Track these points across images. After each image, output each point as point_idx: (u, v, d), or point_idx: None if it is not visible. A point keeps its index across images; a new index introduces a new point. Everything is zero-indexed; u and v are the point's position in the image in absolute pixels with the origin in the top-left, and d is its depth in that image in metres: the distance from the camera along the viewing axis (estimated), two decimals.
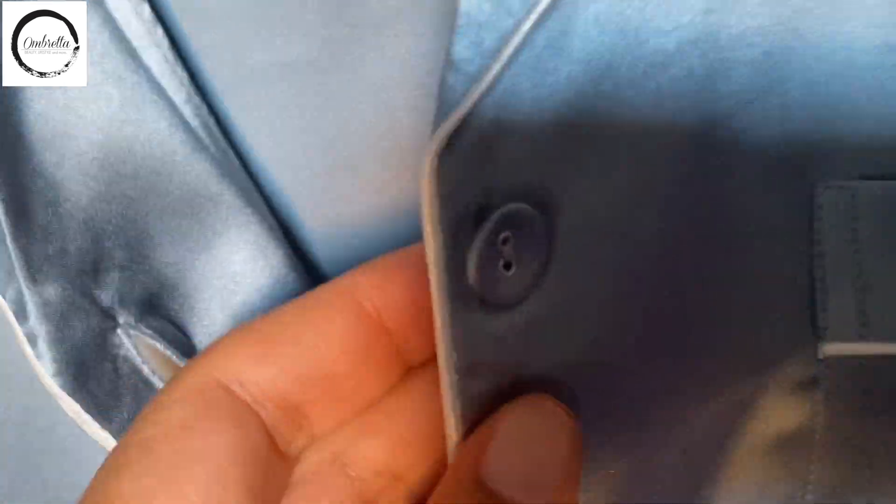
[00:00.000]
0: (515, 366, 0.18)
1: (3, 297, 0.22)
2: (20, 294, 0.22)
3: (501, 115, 0.15)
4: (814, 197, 0.21)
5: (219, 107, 0.24)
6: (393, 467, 0.18)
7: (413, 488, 0.19)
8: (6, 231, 0.21)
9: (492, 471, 0.16)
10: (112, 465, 0.16)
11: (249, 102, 0.24)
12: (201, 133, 0.23)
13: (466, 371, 0.16)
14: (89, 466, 0.17)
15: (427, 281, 0.16)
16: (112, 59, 0.22)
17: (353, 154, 0.23)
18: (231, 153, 0.23)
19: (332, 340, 0.17)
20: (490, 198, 0.16)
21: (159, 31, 0.22)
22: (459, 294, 0.16)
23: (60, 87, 0.22)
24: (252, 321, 0.18)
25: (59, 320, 0.22)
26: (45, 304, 0.22)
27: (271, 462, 0.17)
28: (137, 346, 0.24)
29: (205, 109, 0.23)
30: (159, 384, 0.24)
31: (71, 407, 0.23)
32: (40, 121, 0.22)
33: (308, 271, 0.25)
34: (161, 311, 0.24)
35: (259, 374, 0.17)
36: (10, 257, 0.21)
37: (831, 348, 0.21)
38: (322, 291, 0.18)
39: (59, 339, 0.22)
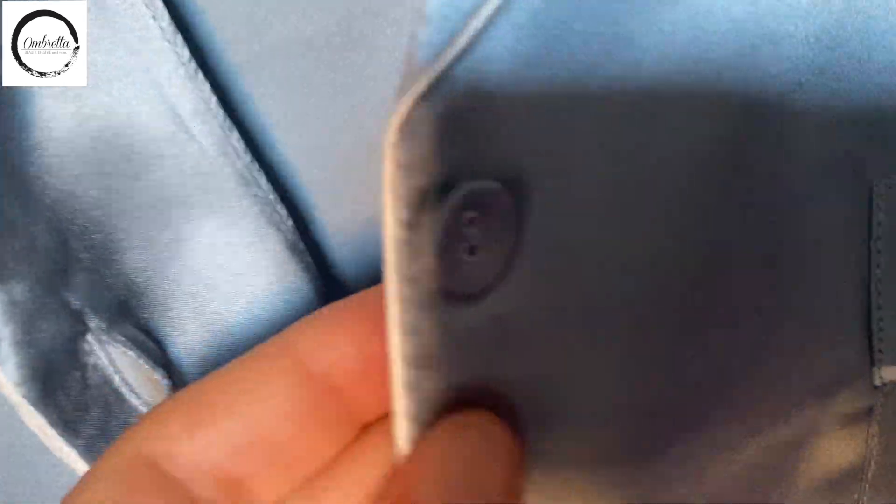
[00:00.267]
0: (479, 367, 0.16)
1: None
2: None
3: (478, 80, 0.14)
4: (872, 195, 0.19)
5: (232, 85, 0.23)
6: None
7: None
8: None
9: (424, 492, 0.14)
10: None
11: (265, 79, 0.23)
12: (192, 120, 0.22)
13: (419, 363, 0.15)
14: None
15: (378, 330, 0.15)
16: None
17: (370, 131, 0.22)
18: (234, 138, 0.22)
19: (271, 405, 0.16)
20: (458, 172, 0.15)
21: (158, 3, 0.21)
22: (414, 277, 0.15)
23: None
24: (187, 388, 0.17)
25: (27, 322, 0.20)
26: (11, 303, 0.20)
27: None
28: (109, 354, 0.22)
29: (207, 88, 0.21)
30: (130, 396, 0.22)
31: (34, 420, 0.20)
32: (7, 112, 0.21)
33: (322, 266, 0.24)
34: (133, 318, 0.23)
35: (191, 446, 0.16)
36: None
37: (889, 372, 0.19)
38: (261, 351, 0.17)
39: (26, 342, 0.20)
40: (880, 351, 0.19)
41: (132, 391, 0.23)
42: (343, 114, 0.23)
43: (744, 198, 0.18)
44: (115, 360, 0.22)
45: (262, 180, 0.23)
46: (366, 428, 0.18)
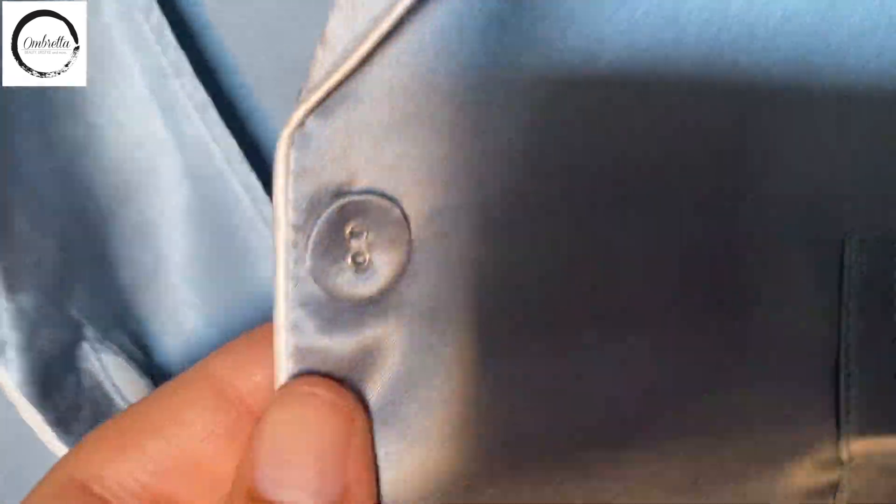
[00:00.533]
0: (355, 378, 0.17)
1: None
2: None
3: (359, 101, 0.16)
4: (843, 254, 0.18)
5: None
6: None
7: None
8: None
9: (263, 478, 0.16)
10: None
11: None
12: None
13: (298, 358, 0.16)
14: None
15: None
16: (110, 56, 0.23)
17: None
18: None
19: (192, 429, 0.17)
20: (343, 183, 0.16)
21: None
22: (299, 277, 0.16)
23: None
24: (116, 416, 0.18)
25: (31, 329, 0.23)
26: (19, 312, 0.22)
27: None
28: (102, 360, 0.24)
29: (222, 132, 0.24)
30: (119, 400, 0.24)
31: (33, 418, 0.23)
32: (27, 130, 0.23)
33: None
34: (124, 328, 0.25)
35: (118, 469, 0.17)
36: None
37: (858, 446, 0.18)
38: (183, 379, 0.18)
39: (29, 347, 0.22)
40: (848, 421, 0.17)
41: (120, 394, 0.24)
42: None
43: (700, 234, 0.18)
44: (107, 366, 0.24)
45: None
46: None
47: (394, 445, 0.17)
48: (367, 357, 0.17)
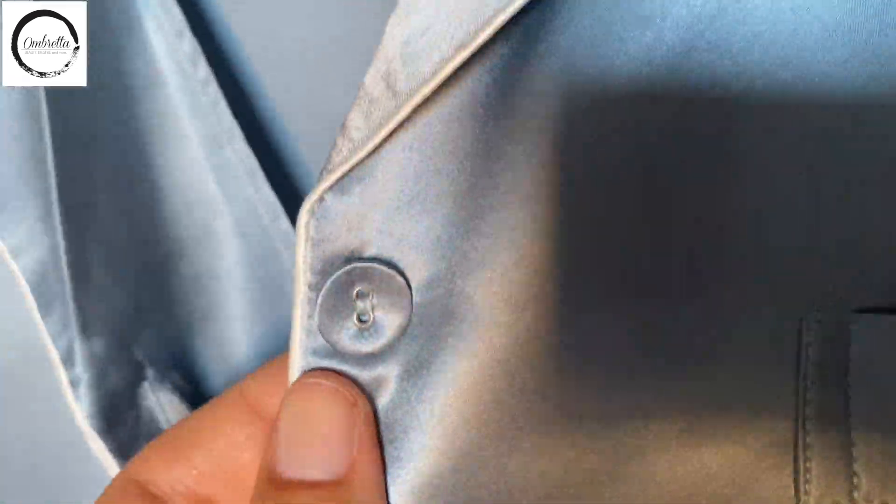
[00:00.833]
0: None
1: (55, 346, 0.25)
2: (71, 343, 0.25)
3: (375, 179, 0.18)
4: (801, 331, 0.18)
5: None
6: None
7: None
8: (68, 290, 0.25)
9: (282, 461, 0.18)
10: None
11: None
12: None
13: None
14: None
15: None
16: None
17: None
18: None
19: (230, 439, 0.20)
20: (356, 251, 0.19)
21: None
22: (311, 330, 0.19)
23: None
24: (168, 430, 0.21)
25: (100, 369, 0.26)
26: (91, 355, 0.26)
27: None
28: (159, 398, 0.28)
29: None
30: None
31: (99, 446, 0.26)
32: (106, 191, 0.26)
33: None
34: (179, 367, 0.29)
35: (169, 474, 0.20)
36: (68, 312, 0.25)
37: None
38: (222, 399, 0.21)
39: (98, 385, 0.26)
40: (806, 492, 0.18)
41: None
42: None
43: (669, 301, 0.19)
44: (163, 403, 0.28)
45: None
46: None
47: (404, 452, 0.19)
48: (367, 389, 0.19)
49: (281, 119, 0.30)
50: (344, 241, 0.19)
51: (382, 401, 0.19)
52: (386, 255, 0.19)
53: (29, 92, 0.23)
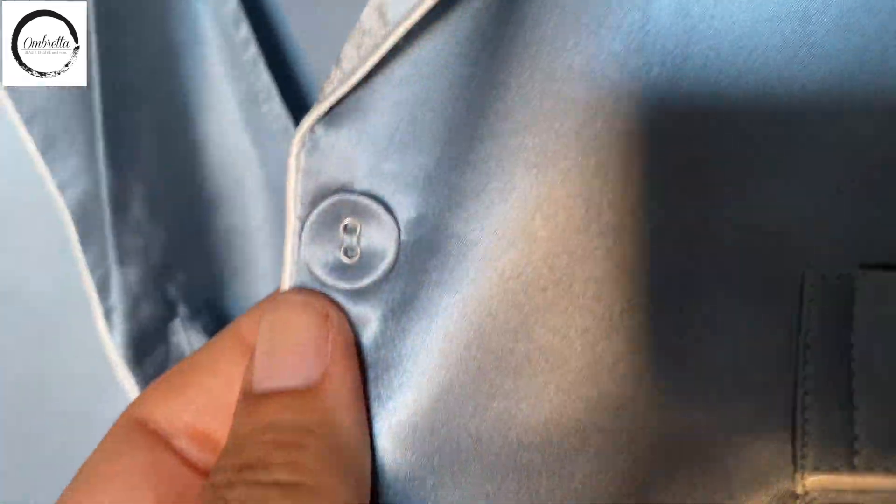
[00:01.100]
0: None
1: (92, 276, 0.26)
2: (107, 273, 0.27)
3: (366, 113, 0.18)
4: (803, 286, 0.18)
5: None
6: None
7: None
8: (108, 222, 0.26)
9: (256, 375, 0.18)
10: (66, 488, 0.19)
11: None
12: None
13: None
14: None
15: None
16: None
17: None
18: None
19: (225, 376, 0.20)
20: (346, 185, 0.18)
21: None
22: (301, 262, 0.19)
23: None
24: (175, 366, 0.21)
25: (134, 301, 0.27)
26: (125, 285, 0.27)
27: (185, 478, 0.19)
28: (189, 337, 0.29)
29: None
30: None
31: (126, 377, 0.27)
32: (148, 134, 0.27)
33: None
34: (211, 312, 0.30)
35: (166, 410, 0.20)
36: (105, 244, 0.26)
37: (813, 481, 0.17)
38: (216, 338, 0.21)
39: (131, 315, 0.27)
40: (804, 456, 0.17)
41: None
42: None
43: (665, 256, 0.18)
44: (193, 342, 0.29)
45: None
46: None
47: (385, 389, 0.19)
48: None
49: (317, 78, 0.31)
50: (334, 174, 0.18)
51: (366, 339, 0.19)
52: (375, 190, 0.19)
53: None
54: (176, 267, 0.29)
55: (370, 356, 0.19)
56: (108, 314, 0.27)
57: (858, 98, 0.17)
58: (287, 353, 0.18)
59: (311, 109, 0.18)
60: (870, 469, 0.17)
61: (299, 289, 0.19)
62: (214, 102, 0.29)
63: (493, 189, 0.18)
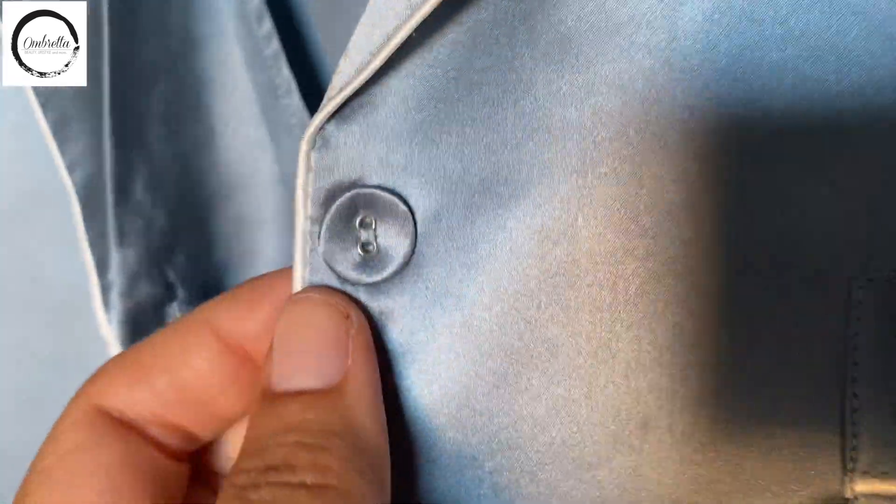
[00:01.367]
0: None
1: (92, 254, 0.27)
2: (106, 252, 0.27)
3: (377, 107, 0.18)
4: (851, 293, 0.17)
5: None
6: None
7: None
8: (109, 203, 0.27)
9: (275, 375, 0.18)
10: (17, 500, 0.18)
11: None
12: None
13: None
14: None
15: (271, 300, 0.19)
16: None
17: None
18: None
19: (197, 370, 0.19)
20: (358, 181, 0.18)
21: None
22: (313, 262, 0.19)
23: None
24: (128, 350, 0.20)
25: (131, 281, 0.28)
26: (124, 263, 0.27)
27: (165, 467, 0.19)
28: None
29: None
30: None
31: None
32: (157, 120, 0.28)
33: None
34: (210, 297, 0.30)
35: (134, 399, 0.19)
36: (106, 224, 0.27)
37: (863, 486, 0.17)
38: (185, 323, 0.20)
39: (129, 294, 0.28)
40: (853, 459, 0.17)
41: None
42: None
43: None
44: None
45: None
46: None
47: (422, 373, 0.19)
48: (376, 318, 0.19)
49: (327, 73, 0.31)
50: (346, 170, 0.18)
51: (389, 333, 0.19)
52: (389, 183, 0.18)
53: (93, 27, 0.24)
54: (177, 250, 0.29)
55: (394, 349, 0.19)
56: (105, 291, 0.27)
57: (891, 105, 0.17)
58: (307, 353, 0.18)
59: (321, 107, 0.18)
60: None
61: (318, 287, 0.19)
62: (231, 93, 0.29)
63: (534, 192, 0.18)
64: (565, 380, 0.18)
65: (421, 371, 0.18)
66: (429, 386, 0.18)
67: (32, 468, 0.18)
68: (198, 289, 0.30)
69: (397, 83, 0.18)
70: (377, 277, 0.18)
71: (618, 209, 0.18)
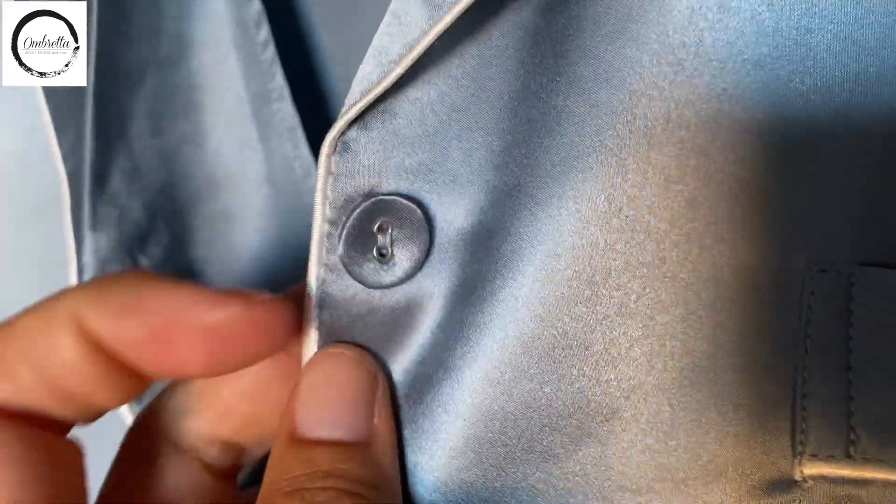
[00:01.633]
0: (371, 339, 0.20)
1: (74, 238, 0.28)
2: (82, 236, 0.28)
3: (396, 115, 0.18)
4: (804, 283, 0.18)
5: None
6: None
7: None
8: (86, 188, 0.27)
9: (303, 421, 0.18)
10: None
11: None
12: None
13: (327, 336, 0.19)
14: None
15: (155, 305, 0.18)
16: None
17: None
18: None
19: (62, 364, 0.18)
20: (376, 186, 0.19)
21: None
22: (331, 265, 0.19)
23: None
24: None
25: (103, 264, 0.28)
26: (97, 249, 0.28)
27: (59, 447, 0.18)
28: None
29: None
30: None
31: None
32: (141, 116, 0.28)
33: None
34: None
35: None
36: (84, 210, 0.28)
37: (810, 469, 0.18)
38: (47, 311, 0.18)
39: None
40: (802, 443, 0.18)
41: None
42: None
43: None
44: None
45: None
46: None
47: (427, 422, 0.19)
48: (392, 331, 0.19)
49: (330, 80, 0.32)
50: (366, 176, 0.19)
51: (404, 359, 0.19)
52: (405, 189, 0.19)
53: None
54: (152, 241, 0.30)
55: (425, 360, 0.19)
56: (81, 272, 0.28)
57: (858, 105, 0.18)
58: (338, 405, 0.18)
59: (342, 113, 0.18)
60: (866, 460, 0.17)
61: (351, 344, 0.19)
62: (224, 95, 0.30)
63: (557, 201, 0.18)
64: (539, 374, 0.18)
65: (413, 406, 0.19)
66: (415, 431, 0.19)
67: None
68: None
69: (415, 92, 0.18)
70: (390, 280, 0.19)
71: (602, 202, 0.18)
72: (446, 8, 0.17)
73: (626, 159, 0.18)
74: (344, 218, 0.19)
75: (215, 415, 0.20)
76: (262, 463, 0.20)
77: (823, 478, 0.17)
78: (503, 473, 0.19)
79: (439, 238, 0.19)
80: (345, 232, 0.19)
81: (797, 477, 0.18)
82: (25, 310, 0.19)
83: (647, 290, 0.18)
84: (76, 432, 0.19)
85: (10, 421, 0.18)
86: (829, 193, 0.18)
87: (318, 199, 0.19)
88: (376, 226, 0.19)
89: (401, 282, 0.19)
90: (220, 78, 0.30)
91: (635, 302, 0.18)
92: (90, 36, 0.25)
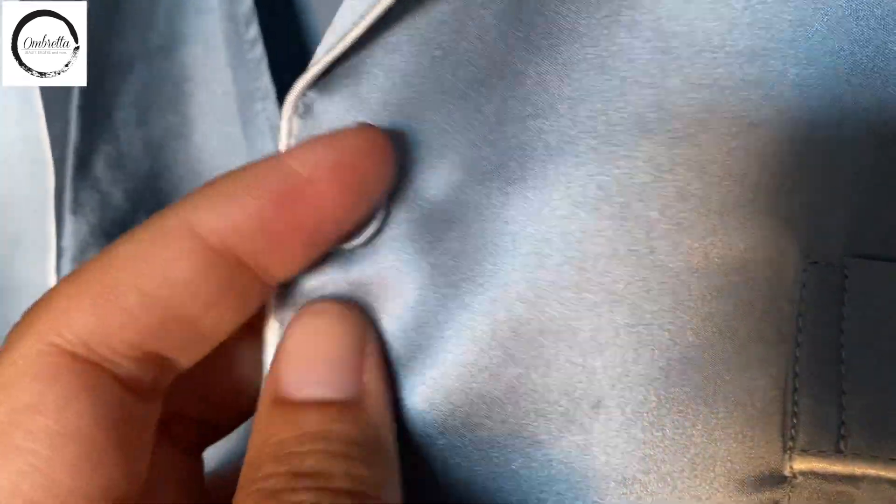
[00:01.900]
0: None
1: (55, 220, 0.28)
2: (62, 220, 0.28)
3: (361, 79, 0.18)
4: (796, 276, 0.18)
5: None
6: None
7: None
8: (69, 174, 0.28)
9: (288, 381, 0.17)
10: None
11: None
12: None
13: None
14: None
15: (274, 199, 0.17)
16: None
17: None
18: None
19: (177, 284, 0.16)
20: None
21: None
22: None
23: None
24: (83, 267, 0.17)
25: (82, 248, 0.28)
26: (76, 232, 0.28)
27: (135, 413, 0.17)
28: None
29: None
30: None
31: None
32: (128, 106, 0.29)
33: None
34: None
35: (103, 330, 0.16)
36: (66, 196, 0.28)
37: (801, 464, 0.17)
38: (158, 224, 0.17)
39: (79, 261, 0.28)
40: (793, 437, 0.17)
41: None
42: None
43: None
44: None
45: None
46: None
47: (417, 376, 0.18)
48: (361, 292, 0.19)
49: None
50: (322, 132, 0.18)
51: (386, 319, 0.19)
52: None
53: None
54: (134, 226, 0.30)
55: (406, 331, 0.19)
56: (60, 254, 0.28)
57: (852, 97, 0.18)
58: (326, 363, 0.17)
59: (304, 72, 0.18)
60: (856, 455, 0.17)
61: (336, 299, 0.18)
62: (213, 90, 0.30)
63: (511, 172, 0.18)
64: (526, 359, 0.18)
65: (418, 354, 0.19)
66: (426, 366, 0.19)
67: None
68: None
69: (381, 55, 0.18)
70: (353, 243, 0.19)
71: (593, 188, 0.18)
72: None
73: (617, 146, 0.18)
74: None
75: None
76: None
77: (814, 473, 0.17)
78: (486, 457, 0.19)
79: (406, 208, 0.19)
80: None
81: (787, 472, 0.18)
82: (130, 232, 0.17)
83: (636, 279, 0.18)
84: None
85: (100, 377, 0.16)
86: (823, 186, 0.18)
87: (281, 146, 0.18)
88: None
89: (363, 245, 0.19)
90: (209, 72, 0.30)
91: (623, 289, 0.18)
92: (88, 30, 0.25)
